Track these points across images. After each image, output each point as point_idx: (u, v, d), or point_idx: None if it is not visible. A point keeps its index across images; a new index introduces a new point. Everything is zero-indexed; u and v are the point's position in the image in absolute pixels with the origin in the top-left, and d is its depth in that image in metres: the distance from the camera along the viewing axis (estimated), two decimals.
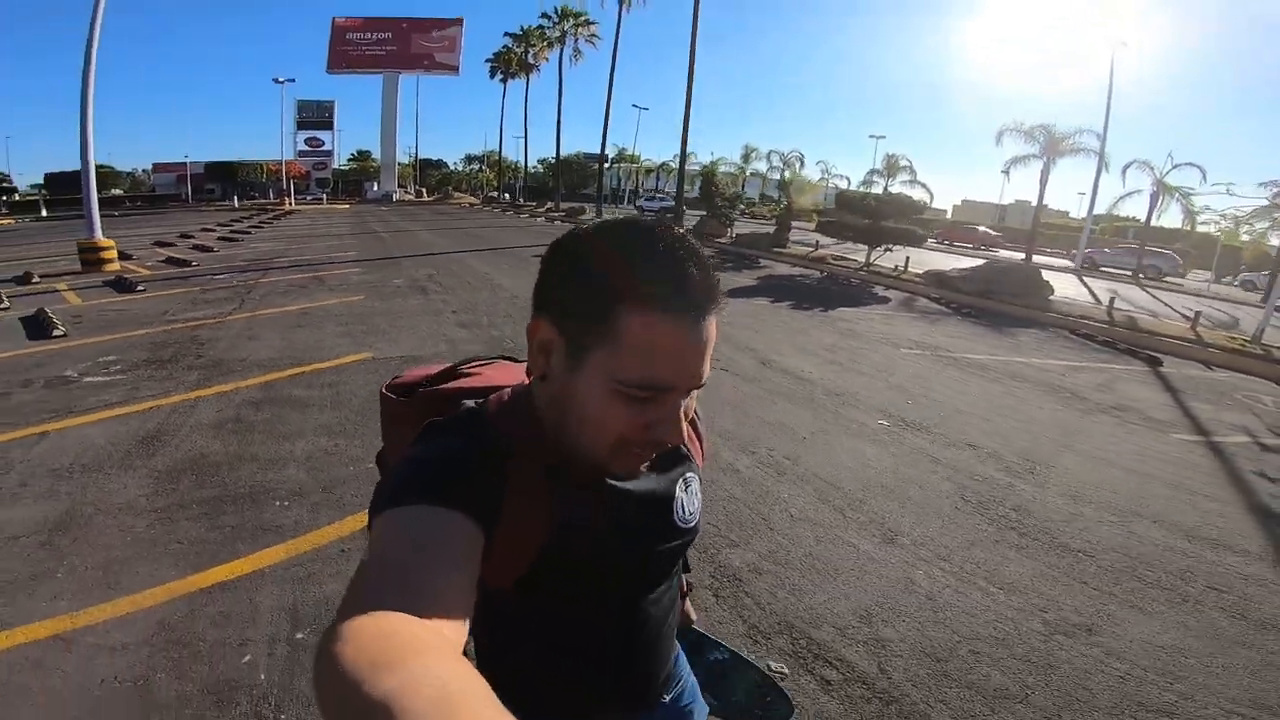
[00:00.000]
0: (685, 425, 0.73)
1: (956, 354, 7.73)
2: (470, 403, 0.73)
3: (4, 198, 50.37)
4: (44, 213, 35.74)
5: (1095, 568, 3.15)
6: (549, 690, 0.78)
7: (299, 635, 2.34)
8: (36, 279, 10.00)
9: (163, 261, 12.37)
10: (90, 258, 10.99)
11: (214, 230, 19.51)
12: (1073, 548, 3.31)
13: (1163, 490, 4.16)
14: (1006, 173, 27.09)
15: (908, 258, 14.76)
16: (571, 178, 58.82)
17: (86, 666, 2.12)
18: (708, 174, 26.42)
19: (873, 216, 14.85)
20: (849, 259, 16.59)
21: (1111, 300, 11.36)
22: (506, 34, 45.21)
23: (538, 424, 0.69)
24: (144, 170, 58.85)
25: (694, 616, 1.18)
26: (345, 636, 0.39)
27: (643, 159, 59.25)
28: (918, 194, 30.96)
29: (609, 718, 0.83)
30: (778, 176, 32.99)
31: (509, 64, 45.01)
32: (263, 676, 2.13)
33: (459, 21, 50.60)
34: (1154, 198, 23.15)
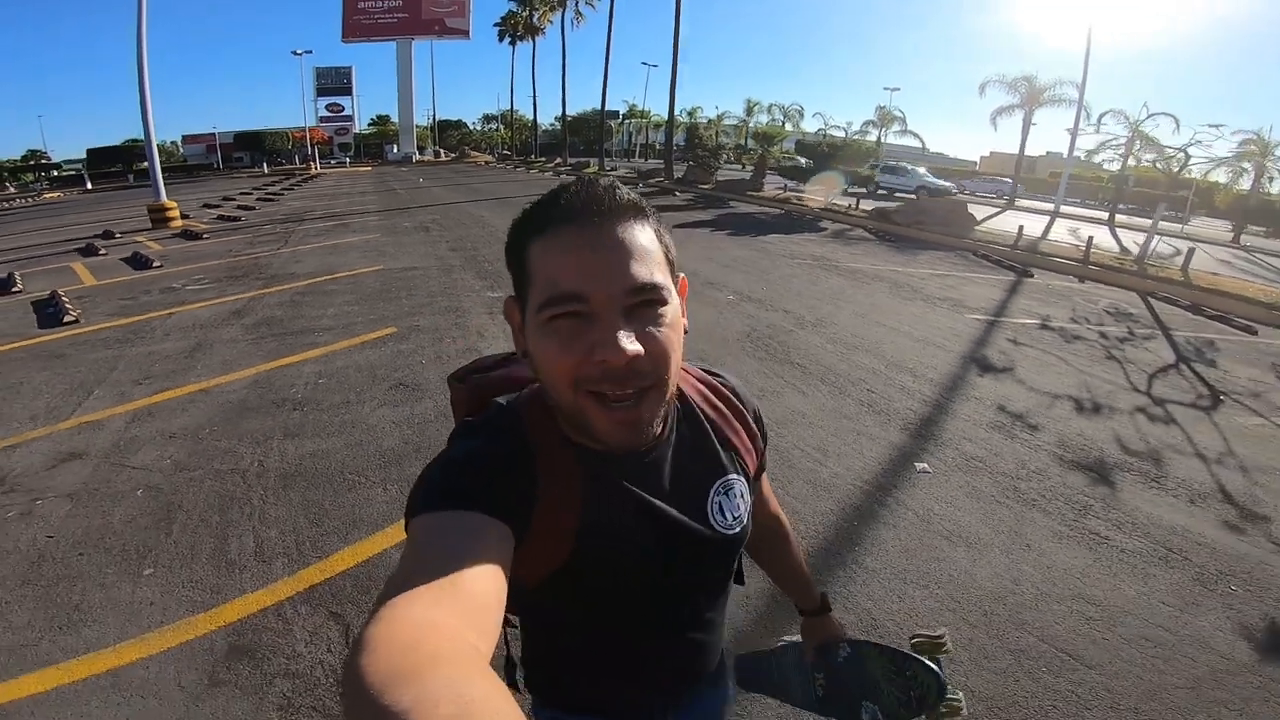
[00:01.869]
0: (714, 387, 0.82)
1: (842, 264, 9.64)
2: (502, 400, 0.74)
3: (44, 174, 53.65)
4: (88, 186, 38.60)
5: (799, 372, 4.94)
6: (589, 685, 0.82)
7: (320, 381, 4.55)
8: (117, 235, 12.39)
9: (216, 218, 14.76)
10: (158, 216, 13.40)
11: (251, 194, 21.85)
12: (795, 362, 5.18)
13: (907, 342, 5.93)
14: (993, 123, 28.04)
15: (858, 197, 16.42)
16: (588, 134, 59.98)
17: (216, 401, 4.33)
18: (692, 128, 27.97)
19: (826, 161, 16.53)
20: (814, 199, 18.28)
21: (1020, 229, 12.95)
22: None
23: (553, 413, 0.68)
24: (172, 142, 61.46)
25: (843, 632, 1.11)
26: (369, 647, 0.40)
27: (653, 114, 60.02)
28: (909, 142, 32.12)
29: (645, 710, 0.85)
30: (779, 127, 34.24)
31: (516, 27, 46.34)
32: (300, 395, 4.33)
33: None
34: (1129, 144, 23.94)
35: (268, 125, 56.31)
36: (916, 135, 31.83)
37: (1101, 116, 24.37)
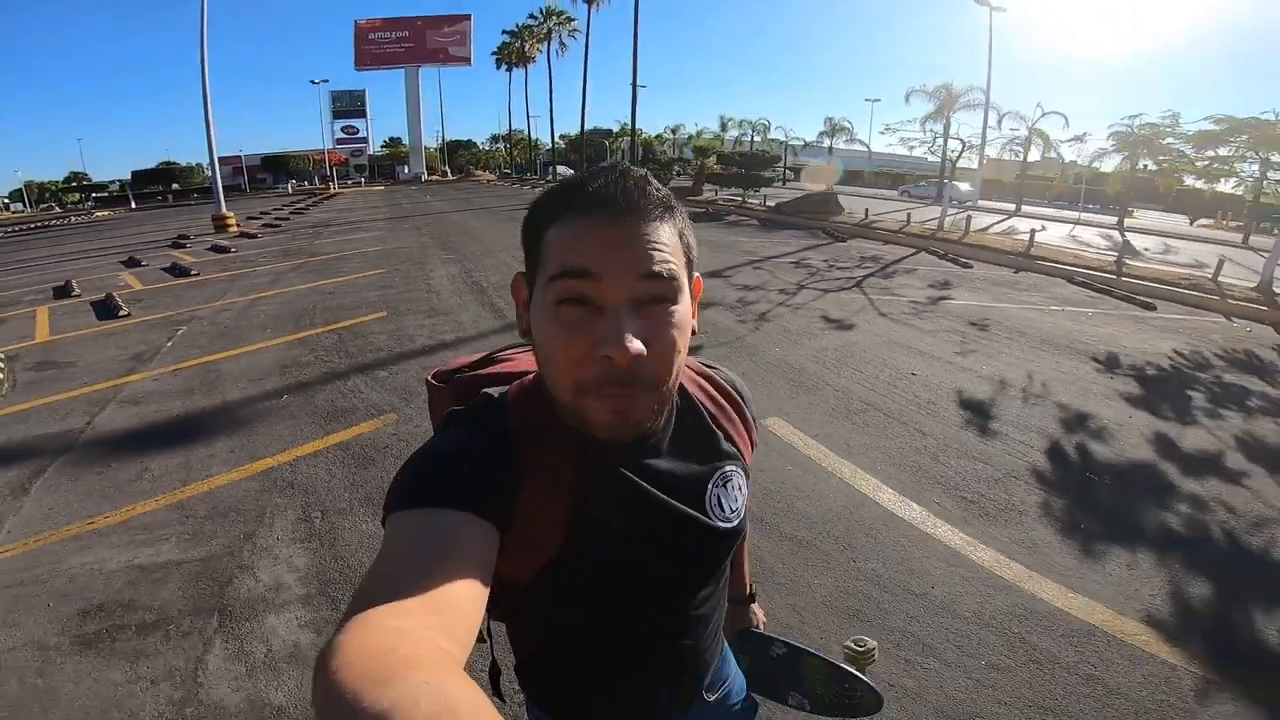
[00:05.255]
0: (698, 377, 0.80)
1: (699, 238, 13.67)
2: (491, 391, 0.72)
3: (89, 194, 58.59)
4: (133, 205, 43.15)
5: None
6: (587, 690, 0.79)
7: (341, 287, 8.82)
8: (192, 236, 16.85)
9: (262, 226, 19.32)
10: (220, 224, 17.91)
11: (283, 209, 26.44)
12: None
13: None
14: (923, 127, 31.82)
15: (765, 196, 20.55)
16: (590, 152, 64.90)
17: (290, 295, 8.55)
18: (646, 143, 32.42)
19: (742, 167, 20.75)
20: (735, 199, 22.46)
21: (866, 211, 16.97)
22: (504, 31, 51.75)
23: (550, 405, 0.66)
24: (198, 164, 65.47)
25: (762, 620, 1.17)
26: (342, 652, 0.39)
27: (643, 133, 64.73)
28: (857, 149, 36.32)
29: (651, 717, 0.83)
30: (748, 139, 38.68)
31: (510, 56, 51.43)
32: (331, 291, 8.61)
33: (468, 17, 56.68)
34: (1027, 141, 27.76)
35: (287, 148, 61.09)
36: (864, 143, 35.95)
37: (1002, 118, 28.34)
